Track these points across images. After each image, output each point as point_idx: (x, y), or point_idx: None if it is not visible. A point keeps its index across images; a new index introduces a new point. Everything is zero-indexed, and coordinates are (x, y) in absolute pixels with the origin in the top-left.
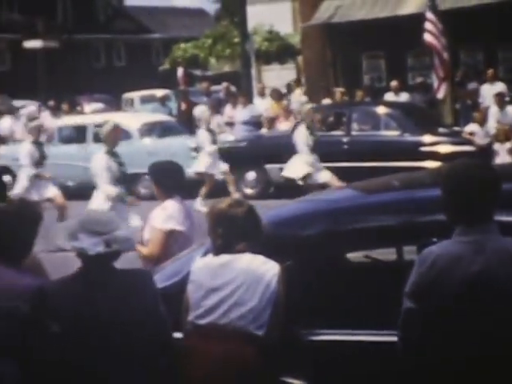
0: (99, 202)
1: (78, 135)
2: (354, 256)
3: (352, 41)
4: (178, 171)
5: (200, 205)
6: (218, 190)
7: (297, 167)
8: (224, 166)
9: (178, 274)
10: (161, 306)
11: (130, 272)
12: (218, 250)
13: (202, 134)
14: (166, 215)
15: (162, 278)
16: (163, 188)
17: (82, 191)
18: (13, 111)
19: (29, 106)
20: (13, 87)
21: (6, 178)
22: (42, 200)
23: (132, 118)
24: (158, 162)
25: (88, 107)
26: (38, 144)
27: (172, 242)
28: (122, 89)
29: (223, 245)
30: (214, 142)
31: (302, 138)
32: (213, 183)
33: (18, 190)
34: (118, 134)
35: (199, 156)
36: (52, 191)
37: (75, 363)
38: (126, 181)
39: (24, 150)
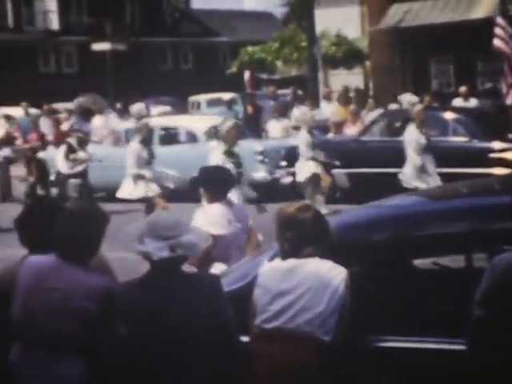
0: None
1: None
2: (421, 263)
3: (420, 45)
4: (224, 176)
5: (323, 207)
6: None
7: (409, 173)
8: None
9: (245, 277)
10: (228, 309)
11: (198, 276)
12: (285, 254)
13: (303, 136)
14: (205, 219)
15: (229, 281)
16: (209, 192)
17: None
18: (103, 110)
19: (137, 104)
20: (81, 89)
21: (74, 181)
22: (146, 198)
23: (198, 121)
24: (206, 167)
25: (155, 110)
26: (145, 143)
27: (211, 246)
28: (188, 92)
29: (291, 249)
30: (315, 144)
31: (413, 138)
32: (326, 182)
33: (123, 189)
34: (238, 133)
35: (300, 161)
36: (155, 192)
37: (142, 367)
38: (241, 182)
39: (131, 150)
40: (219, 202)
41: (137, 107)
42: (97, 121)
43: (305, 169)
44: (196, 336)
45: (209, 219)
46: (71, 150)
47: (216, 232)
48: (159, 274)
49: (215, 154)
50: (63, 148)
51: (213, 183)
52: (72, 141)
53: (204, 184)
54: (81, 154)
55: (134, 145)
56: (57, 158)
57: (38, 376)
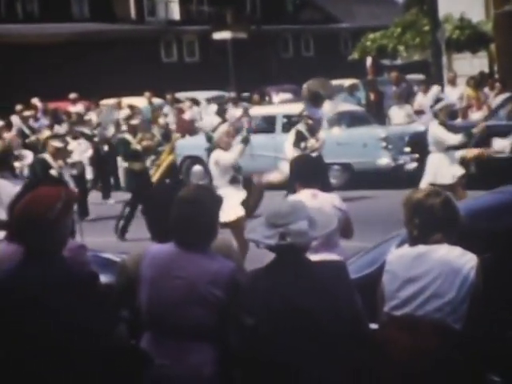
0: None
1: (267, 125)
2: None
3: None
4: (311, 164)
5: None
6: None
7: None
8: None
9: (373, 264)
10: (356, 297)
11: (323, 264)
12: (414, 241)
13: None
14: None
15: (356, 268)
16: (297, 180)
17: None
18: (333, 95)
19: (435, 87)
20: (202, 78)
21: (197, 169)
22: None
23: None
24: (296, 156)
25: (276, 97)
26: (446, 125)
27: None
28: (310, 79)
29: (420, 235)
30: None
31: None
32: None
33: (427, 176)
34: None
35: None
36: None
37: (264, 358)
38: None
39: (431, 133)
40: (303, 192)
41: (435, 90)
42: (326, 106)
43: None
44: (320, 323)
45: None
46: (301, 137)
47: None
48: (283, 262)
49: None
50: (292, 135)
51: (299, 171)
52: (301, 128)
53: (291, 172)
54: (311, 142)
55: (434, 127)
56: (285, 146)
57: (167, 365)
